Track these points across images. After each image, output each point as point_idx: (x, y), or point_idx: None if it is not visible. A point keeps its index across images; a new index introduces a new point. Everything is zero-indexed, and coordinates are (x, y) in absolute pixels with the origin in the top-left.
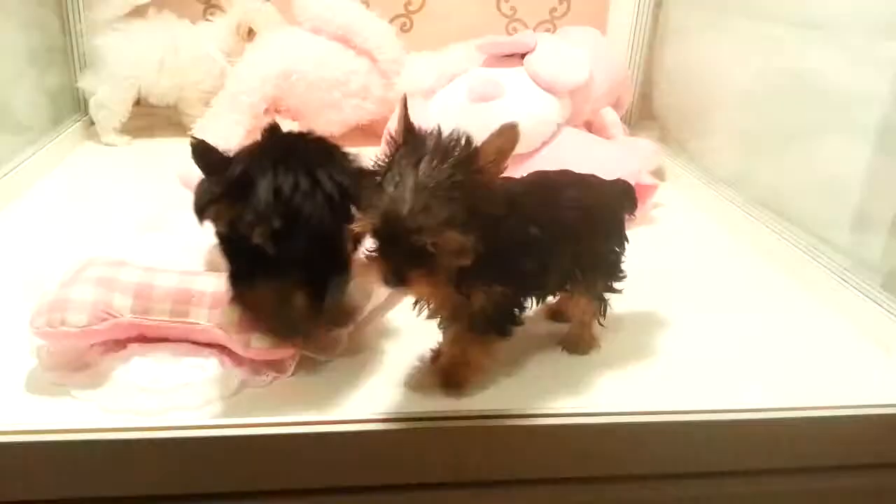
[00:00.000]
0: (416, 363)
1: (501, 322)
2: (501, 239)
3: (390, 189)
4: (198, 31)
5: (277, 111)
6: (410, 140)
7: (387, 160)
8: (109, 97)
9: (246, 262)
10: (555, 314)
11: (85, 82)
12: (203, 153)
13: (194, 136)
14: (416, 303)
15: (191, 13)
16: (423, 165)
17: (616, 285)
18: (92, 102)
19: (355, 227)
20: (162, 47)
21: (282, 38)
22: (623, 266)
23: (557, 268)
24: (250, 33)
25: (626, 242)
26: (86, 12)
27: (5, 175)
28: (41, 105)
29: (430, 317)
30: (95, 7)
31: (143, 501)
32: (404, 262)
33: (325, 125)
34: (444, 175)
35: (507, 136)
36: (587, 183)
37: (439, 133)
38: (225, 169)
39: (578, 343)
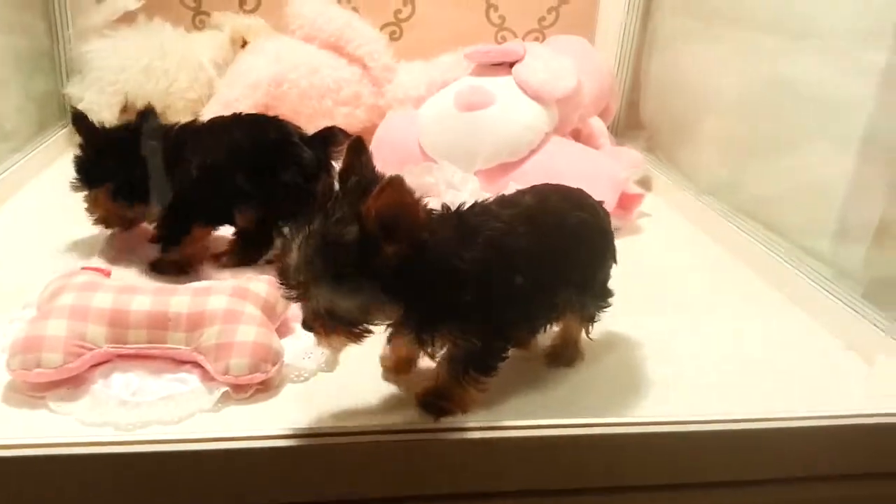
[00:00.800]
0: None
1: (484, 362)
2: (466, 286)
3: (287, 248)
4: (189, 40)
5: None
6: (340, 188)
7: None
8: (95, 103)
9: None
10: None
11: (72, 88)
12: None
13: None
14: (390, 340)
15: (181, 21)
16: (315, 222)
17: (605, 303)
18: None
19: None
20: (149, 53)
21: (273, 46)
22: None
23: (547, 308)
24: (244, 45)
25: (610, 263)
26: (74, 18)
27: None
28: (27, 111)
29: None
30: (84, 13)
31: None
32: (310, 311)
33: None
34: (327, 232)
35: (390, 191)
36: (584, 203)
37: (352, 184)
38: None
39: (563, 356)
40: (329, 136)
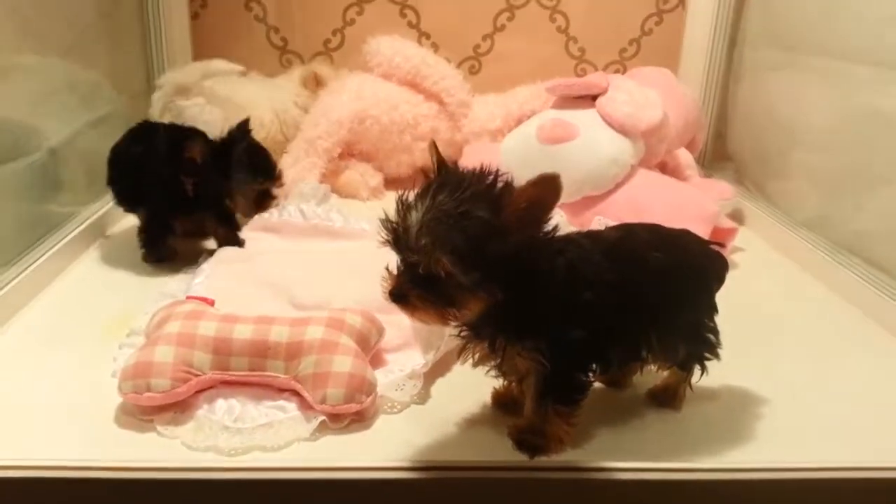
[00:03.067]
0: (481, 413)
1: (561, 390)
2: (540, 298)
3: (408, 212)
4: (273, 85)
5: (351, 155)
6: (444, 175)
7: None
8: None
9: None
10: (608, 379)
11: None
12: None
13: None
14: (460, 352)
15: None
16: (442, 194)
17: (701, 351)
18: None
19: (379, 239)
20: (242, 104)
21: (354, 84)
22: (715, 338)
23: (621, 338)
24: (318, 83)
25: (715, 313)
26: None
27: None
28: None
29: (475, 365)
30: (178, 68)
31: None
32: (408, 280)
33: (396, 167)
34: (458, 205)
35: (544, 186)
36: (677, 244)
37: (478, 171)
38: None
39: (663, 398)
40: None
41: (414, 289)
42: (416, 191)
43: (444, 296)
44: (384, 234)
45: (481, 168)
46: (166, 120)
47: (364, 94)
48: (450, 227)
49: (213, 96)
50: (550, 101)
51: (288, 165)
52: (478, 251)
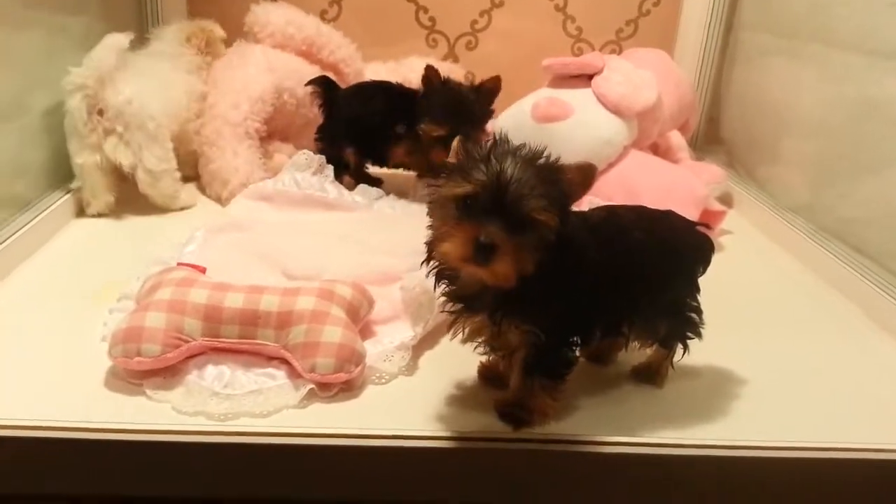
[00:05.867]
0: (467, 385)
1: (549, 364)
2: (544, 273)
3: (494, 163)
4: (161, 58)
5: (269, 134)
6: (504, 142)
7: (469, 153)
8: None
9: None
10: (593, 354)
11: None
12: None
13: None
14: (450, 326)
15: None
16: (519, 156)
17: (682, 330)
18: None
19: (455, 190)
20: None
21: (257, 54)
22: (698, 318)
23: (604, 315)
24: (209, 45)
25: (697, 293)
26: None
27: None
28: None
29: (465, 341)
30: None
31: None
32: (501, 228)
33: (309, 144)
34: (544, 165)
35: (586, 172)
36: (660, 224)
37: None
38: None
39: (646, 374)
40: None
41: (509, 237)
42: (484, 150)
43: (530, 247)
44: (472, 182)
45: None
46: (95, 120)
47: (274, 65)
48: (550, 181)
49: (134, 81)
50: (548, 80)
51: (227, 160)
52: (565, 208)
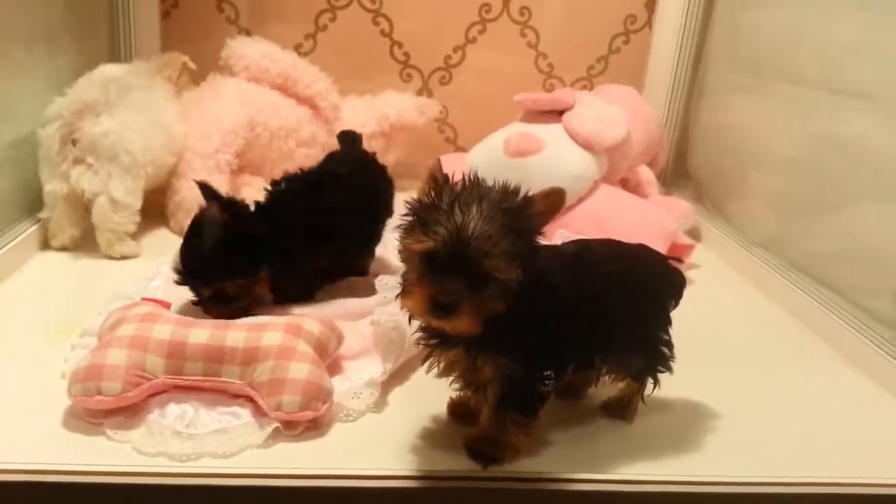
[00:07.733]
0: (437, 422)
1: (522, 399)
2: (519, 308)
3: (457, 216)
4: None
5: (241, 168)
6: (470, 185)
7: (433, 197)
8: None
9: None
10: (562, 390)
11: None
12: None
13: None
14: (425, 360)
15: None
16: (485, 203)
17: (654, 363)
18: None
19: (415, 246)
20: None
21: (230, 87)
22: (669, 351)
23: (578, 349)
24: (180, 75)
25: (669, 327)
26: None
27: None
28: None
29: (440, 375)
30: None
31: None
32: (461, 286)
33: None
34: (504, 214)
35: (553, 199)
36: (632, 258)
37: (495, 184)
38: None
39: (616, 408)
40: None
41: (469, 294)
42: (450, 197)
43: (492, 300)
44: (432, 238)
45: (494, 181)
46: (67, 149)
47: (247, 98)
48: (515, 229)
49: (122, 115)
50: (521, 115)
51: (193, 191)
52: (531, 253)
